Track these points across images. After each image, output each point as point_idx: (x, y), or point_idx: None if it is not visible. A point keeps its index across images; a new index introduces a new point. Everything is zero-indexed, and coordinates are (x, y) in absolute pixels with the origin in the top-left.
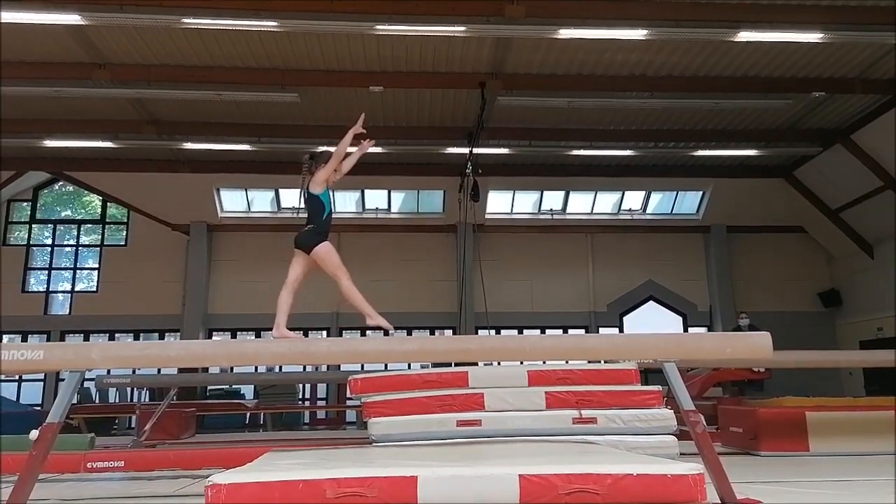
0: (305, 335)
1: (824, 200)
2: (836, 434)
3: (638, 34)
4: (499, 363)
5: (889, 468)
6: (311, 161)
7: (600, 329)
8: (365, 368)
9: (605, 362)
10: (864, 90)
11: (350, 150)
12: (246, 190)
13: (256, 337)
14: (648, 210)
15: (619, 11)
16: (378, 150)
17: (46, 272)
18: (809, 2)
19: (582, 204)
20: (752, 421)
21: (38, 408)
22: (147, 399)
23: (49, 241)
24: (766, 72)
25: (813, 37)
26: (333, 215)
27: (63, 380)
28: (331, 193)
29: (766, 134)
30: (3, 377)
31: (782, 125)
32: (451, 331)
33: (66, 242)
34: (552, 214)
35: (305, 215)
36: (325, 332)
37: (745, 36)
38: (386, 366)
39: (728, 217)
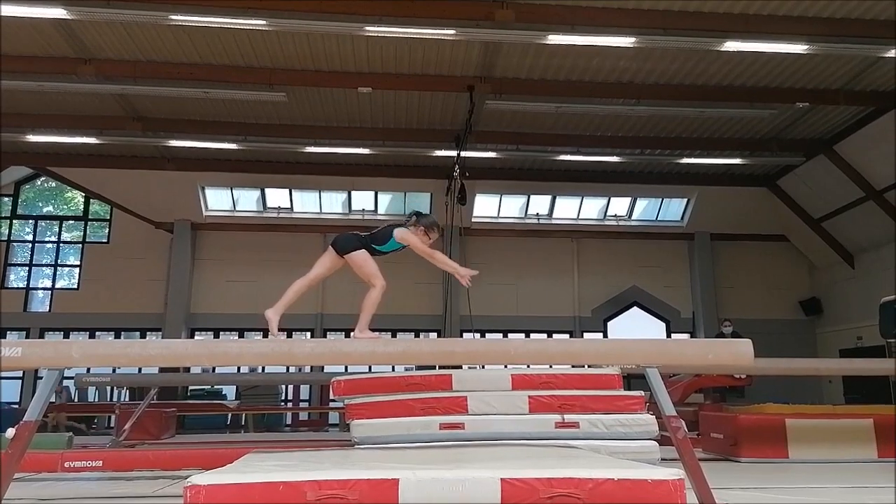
0: (289, 336)
1: (807, 210)
2: (816, 441)
3: (626, 42)
4: (483, 367)
5: (866, 476)
6: (414, 218)
7: (584, 334)
8: (349, 370)
9: (589, 367)
10: (847, 102)
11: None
12: (231, 189)
13: (239, 337)
14: (634, 216)
15: (608, 19)
16: (365, 151)
17: (27, 268)
18: (795, 14)
19: (568, 209)
20: (733, 427)
21: (16, 405)
22: (127, 398)
23: (30, 237)
24: (752, 81)
25: (798, 48)
26: (319, 216)
27: (41, 378)
28: (398, 249)
29: (750, 143)
30: None
31: (766, 135)
32: (435, 334)
33: (47, 239)
34: (538, 219)
35: (292, 215)
36: (308, 333)
37: (731, 46)
38: (370, 368)
39: (712, 225)
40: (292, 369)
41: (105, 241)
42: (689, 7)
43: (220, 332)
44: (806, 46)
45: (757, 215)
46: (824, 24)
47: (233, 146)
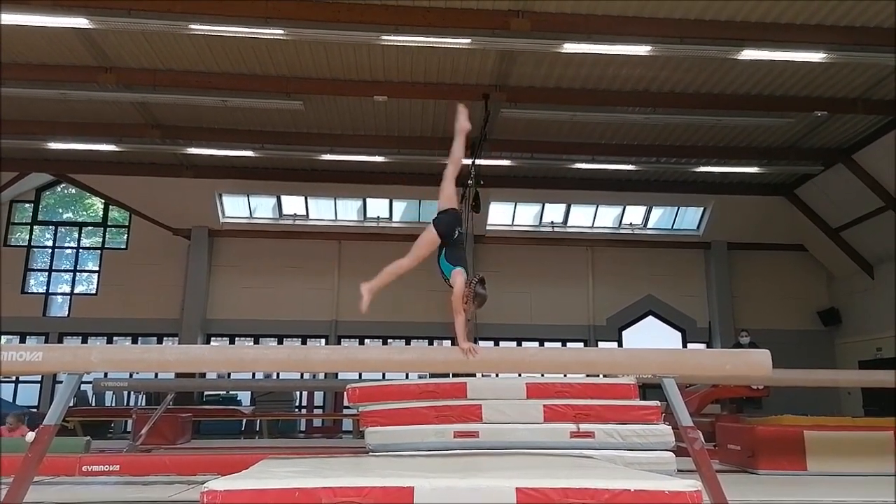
0: (303, 343)
1: (825, 219)
2: (835, 454)
3: (642, 50)
4: (497, 375)
5: (886, 489)
6: (477, 280)
7: (599, 343)
8: (363, 377)
9: (605, 376)
10: (865, 111)
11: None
12: (248, 196)
13: (255, 343)
14: (649, 225)
15: (624, 27)
16: (380, 159)
17: (46, 274)
18: (813, 22)
19: (583, 217)
20: (751, 439)
21: (35, 409)
22: (143, 403)
23: (50, 243)
24: (769, 90)
25: (816, 57)
26: (334, 223)
27: (60, 382)
28: (443, 273)
29: (767, 152)
30: (1, 378)
31: (784, 143)
32: (449, 341)
33: (66, 244)
34: (553, 227)
35: (308, 222)
36: (323, 340)
37: (748, 54)
38: (384, 375)
39: (729, 234)
40: (307, 376)
41: (123, 247)
42: (705, 15)
43: (236, 338)
44: (824, 55)
45: (774, 224)
46: (843, 32)
47: (250, 154)
